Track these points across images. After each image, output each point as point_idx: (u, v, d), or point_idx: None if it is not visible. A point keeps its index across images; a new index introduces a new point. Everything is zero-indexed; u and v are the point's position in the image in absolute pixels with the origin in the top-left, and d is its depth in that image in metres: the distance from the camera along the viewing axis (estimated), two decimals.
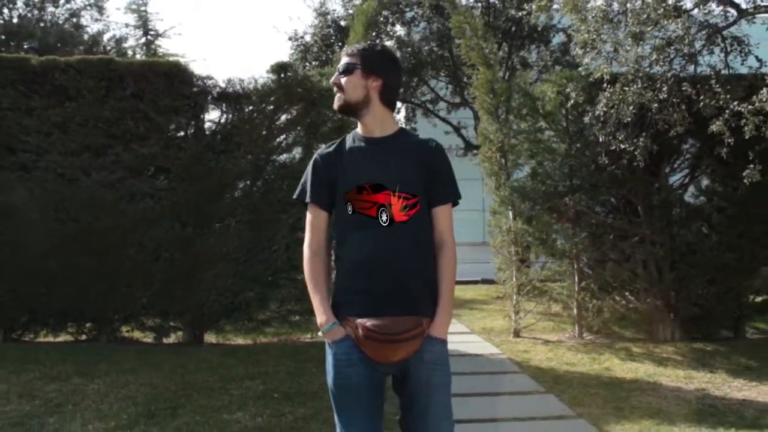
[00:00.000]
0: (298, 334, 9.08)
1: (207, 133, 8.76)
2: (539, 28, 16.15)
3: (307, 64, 17.09)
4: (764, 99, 6.35)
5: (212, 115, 8.87)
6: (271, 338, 8.98)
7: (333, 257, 2.82)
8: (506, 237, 9.32)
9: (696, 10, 7.22)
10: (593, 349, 8.44)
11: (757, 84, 7.11)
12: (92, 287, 8.10)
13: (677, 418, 5.61)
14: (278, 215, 8.63)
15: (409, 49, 17.49)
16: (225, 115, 8.77)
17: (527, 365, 7.60)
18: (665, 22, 7.06)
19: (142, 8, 26.43)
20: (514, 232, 9.22)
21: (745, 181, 7.41)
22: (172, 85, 8.39)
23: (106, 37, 24.60)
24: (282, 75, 8.65)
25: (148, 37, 27.00)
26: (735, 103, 6.76)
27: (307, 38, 17.98)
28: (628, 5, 7.21)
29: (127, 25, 25.75)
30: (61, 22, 22.06)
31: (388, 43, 16.71)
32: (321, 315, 2.67)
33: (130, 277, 8.23)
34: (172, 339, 8.77)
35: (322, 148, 2.90)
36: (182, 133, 8.79)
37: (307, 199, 2.80)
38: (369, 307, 2.60)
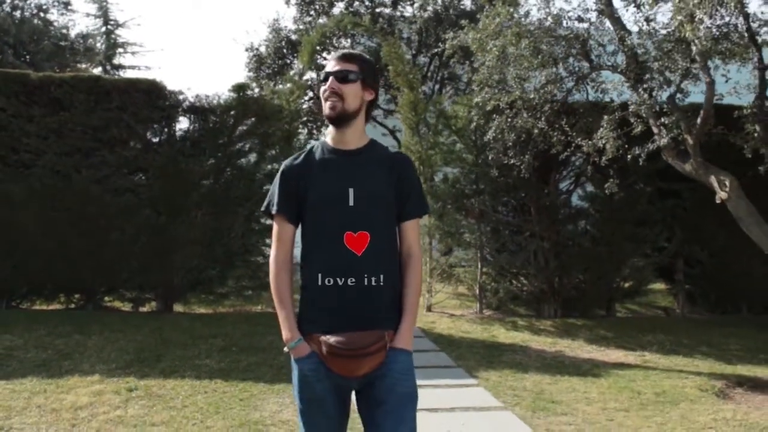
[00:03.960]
0: (250, 306, 10.79)
1: (178, 139, 10.36)
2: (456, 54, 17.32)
3: (261, 72, 18.62)
4: (599, 137, 8.29)
5: (182, 125, 10.48)
6: (228, 308, 10.63)
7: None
8: (421, 230, 10.83)
9: (561, 63, 9.06)
10: (487, 322, 10.30)
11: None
12: (82, 264, 9.69)
13: (531, 369, 7.51)
14: (236, 208, 10.32)
15: None
16: (193, 125, 10.41)
17: (431, 332, 9.44)
18: (540, 71, 8.90)
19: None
20: (428, 227, 10.98)
21: (606, 191, 9.08)
22: (150, 99, 10.02)
23: (73, 33, 25.23)
24: (241, 93, 10.37)
25: (108, 26, 27.71)
26: (579, 139, 8.68)
27: (262, 50, 19.23)
28: (517, 51, 8.97)
29: (88, 15, 26.48)
30: (28, 16, 22.90)
31: None
32: (287, 331, 2.61)
33: (113, 256, 9.80)
34: (146, 308, 10.39)
35: (289, 160, 2.77)
36: (157, 139, 10.42)
37: (274, 210, 2.70)
38: (334, 323, 2.55)
